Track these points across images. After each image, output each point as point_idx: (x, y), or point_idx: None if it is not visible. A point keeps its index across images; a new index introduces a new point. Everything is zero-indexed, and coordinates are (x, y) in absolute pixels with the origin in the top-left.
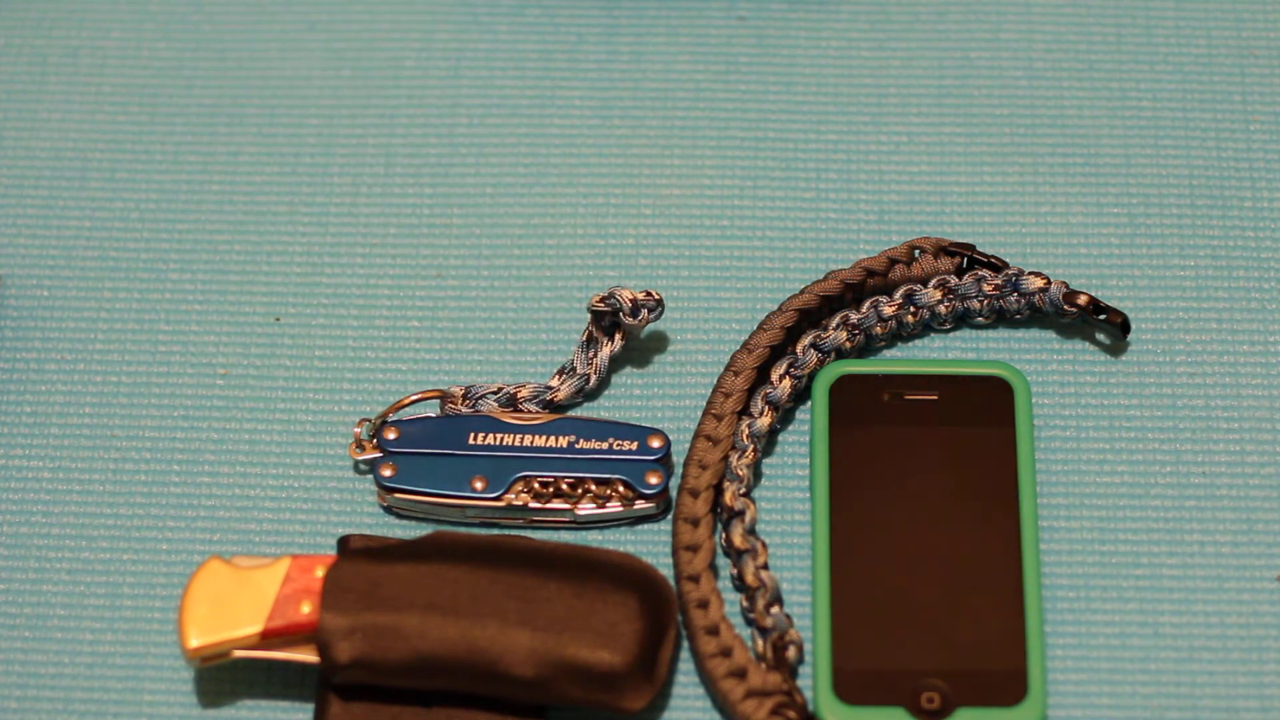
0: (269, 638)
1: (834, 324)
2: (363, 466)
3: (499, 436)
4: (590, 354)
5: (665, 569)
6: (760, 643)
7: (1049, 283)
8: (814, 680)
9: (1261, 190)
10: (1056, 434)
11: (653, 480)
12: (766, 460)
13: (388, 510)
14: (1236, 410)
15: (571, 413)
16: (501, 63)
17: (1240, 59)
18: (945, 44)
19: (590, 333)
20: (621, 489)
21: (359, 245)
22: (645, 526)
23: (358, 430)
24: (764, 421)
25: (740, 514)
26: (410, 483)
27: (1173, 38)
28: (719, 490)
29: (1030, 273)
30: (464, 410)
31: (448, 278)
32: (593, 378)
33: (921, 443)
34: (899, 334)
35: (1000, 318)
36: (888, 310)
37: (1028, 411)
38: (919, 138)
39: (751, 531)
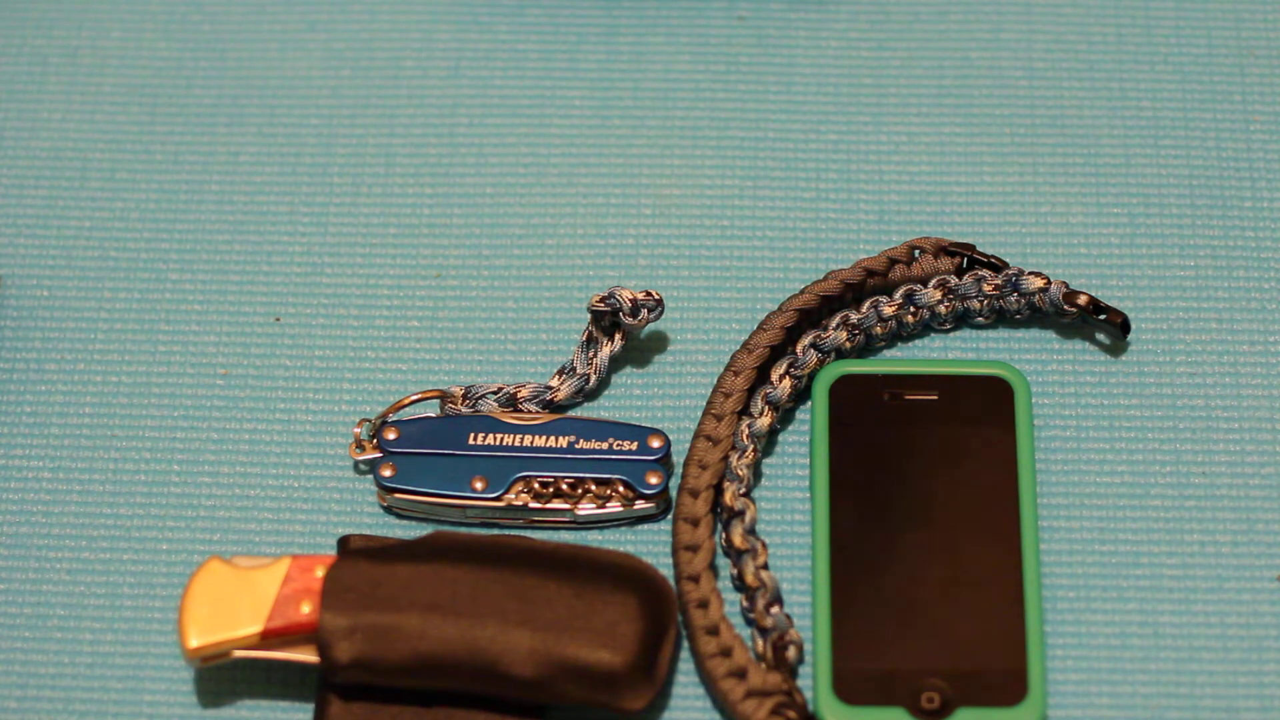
0: (269, 638)
1: (834, 324)
2: (363, 466)
3: (499, 436)
4: (590, 354)
5: (665, 569)
6: (760, 643)
7: (1049, 283)
8: (814, 680)
9: (1261, 190)
10: (1056, 434)
11: (653, 480)
12: (766, 460)
13: (388, 510)
14: (1236, 410)
15: (571, 413)
16: (501, 63)
17: (1240, 59)
18: (945, 44)
19: (590, 333)
20: (621, 489)
21: (359, 245)
22: (645, 526)
23: (358, 430)
24: (764, 421)
25: (740, 514)
26: (410, 483)
27: (1173, 38)
28: (719, 490)
29: (1030, 273)
30: (464, 410)
31: (448, 278)
32: (593, 378)
33: (921, 443)
34: (899, 334)
35: (1000, 318)
36: (888, 310)
37: (1028, 411)
38: (919, 138)
39: (751, 531)
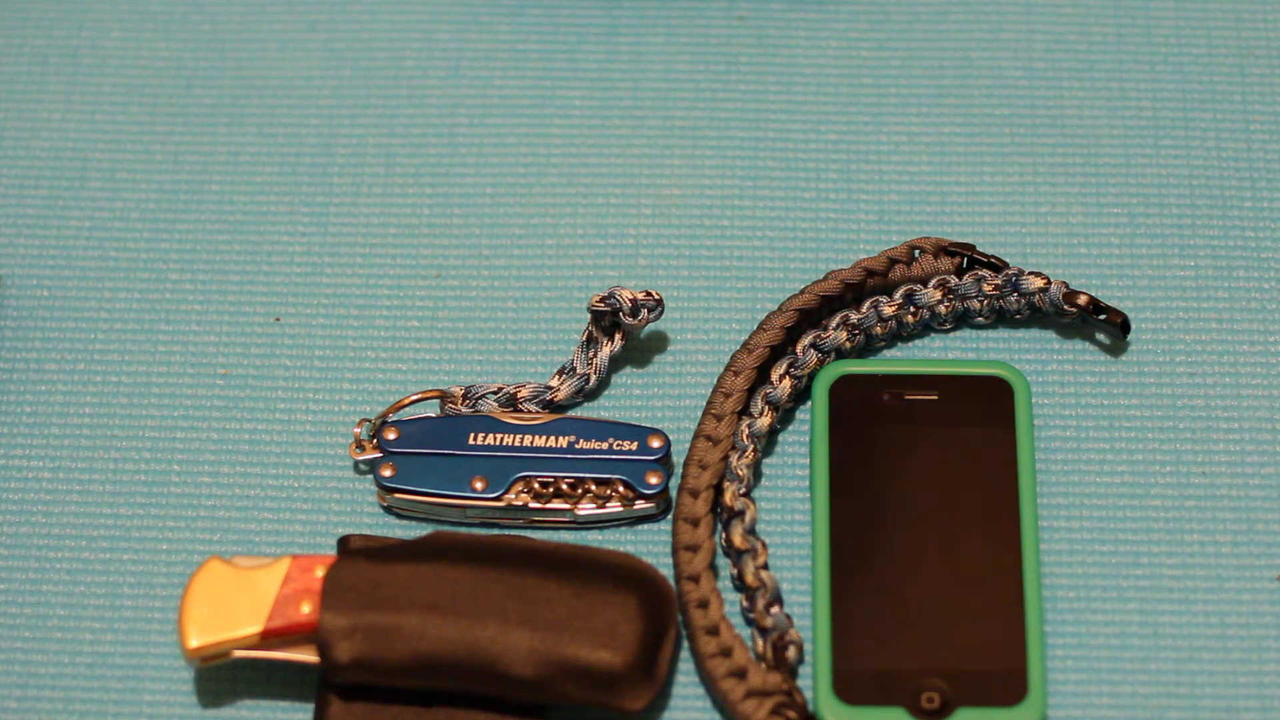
0: (269, 638)
1: (834, 324)
2: (363, 466)
3: (499, 436)
4: (590, 354)
5: (665, 569)
6: (760, 643)
7: (1049, 283)
8: (814, 680)
9: (1261, 190)
10: (1056, 434)
11: (653, 480)
12: (766, 460)
13: (388, 510)
14: (1236, 410)
15: (571, 413)
16: (501, 63)
17: (1240, 59)
18: (945, 44)
19: (590, 333)
20: (621, 489)
21: (359, 245)
22: (645, 526)
23: (358, 430)
24: (764, 421)
25: (740, 514)
26: (410, 483)
27: (1173, 38)
28: (719, 490)
29: (1030, 273)
30: (464, 410)
31: (448, 278)
32: (593, 378)
33: (921, 443)
34: (899, 334)
35: (1000, 318)
36: (888, 310)
37: (1028, 411)
38: (919, 138)
39: (751, 531)
